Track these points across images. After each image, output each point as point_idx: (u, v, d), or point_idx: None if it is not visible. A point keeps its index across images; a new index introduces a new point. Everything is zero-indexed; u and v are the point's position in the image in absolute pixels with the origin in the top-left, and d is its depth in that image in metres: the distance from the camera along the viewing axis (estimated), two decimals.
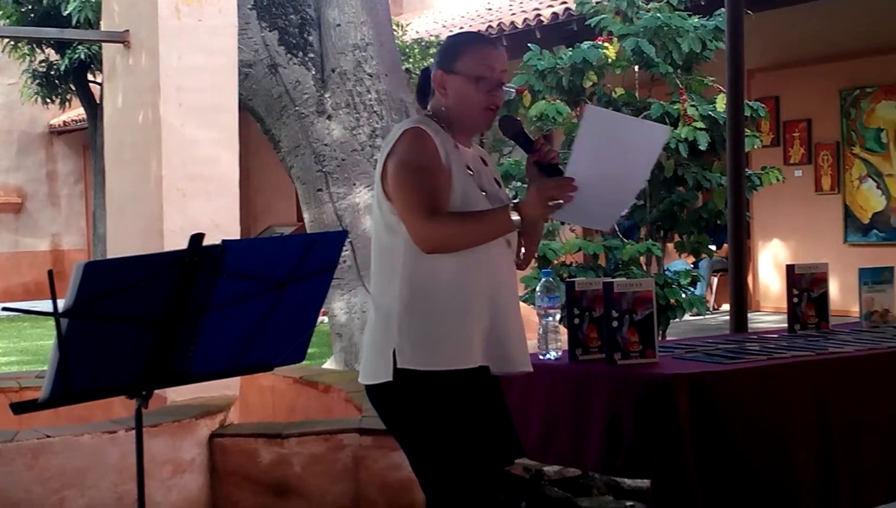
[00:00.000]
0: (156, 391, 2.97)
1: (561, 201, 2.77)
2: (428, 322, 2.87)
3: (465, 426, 2.87)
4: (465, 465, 2.87)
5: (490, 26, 13.10)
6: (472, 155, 3.04)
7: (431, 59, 11.29)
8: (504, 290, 2.97)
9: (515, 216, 2.80)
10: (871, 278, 4.23)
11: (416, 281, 2.88)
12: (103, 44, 6.10)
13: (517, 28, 12.44)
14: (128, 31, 5.59)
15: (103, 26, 6.11)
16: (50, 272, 2.71)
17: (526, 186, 3.23)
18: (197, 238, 2.69)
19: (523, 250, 3.12)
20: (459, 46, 3.03)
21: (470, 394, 2.88)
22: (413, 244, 2.86)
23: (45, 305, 2.65)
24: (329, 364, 7.60)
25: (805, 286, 4.09)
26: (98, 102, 14.57)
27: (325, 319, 7.67)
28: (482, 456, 2.90)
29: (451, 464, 2.88)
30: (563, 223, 7.41)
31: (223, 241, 2.76)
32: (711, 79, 8.28)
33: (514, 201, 2.88)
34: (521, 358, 3.03)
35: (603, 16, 8.31)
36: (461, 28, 13.77)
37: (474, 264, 2.88)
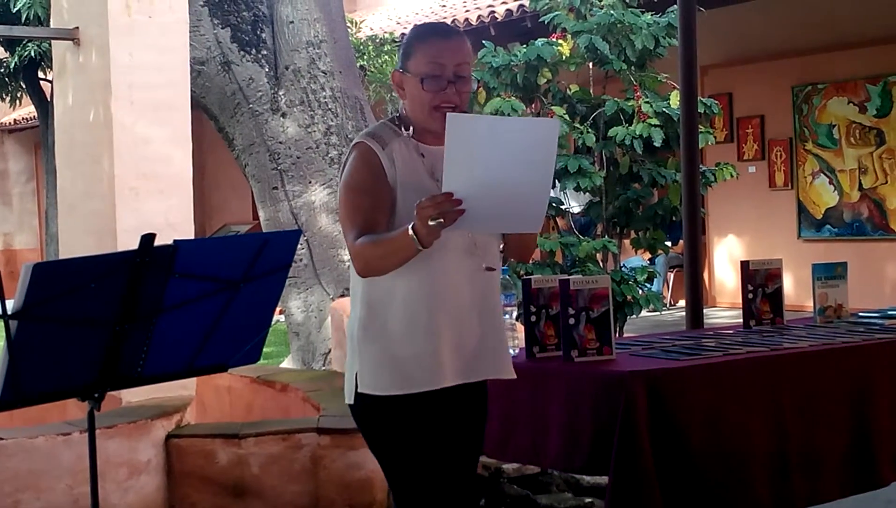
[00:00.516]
0: (111, 392, 2.93)
1: (442, 220, 2.58)
2: (382, 345, 2.82)
3: (423, 452, 2.84)
4: (423, 489, 2.85)
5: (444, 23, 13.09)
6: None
7: (385, 57, 11.27)
8: (464, 303, 2.86)
9: (412, 234, 2.63)
10: (825, 273, 4.25)
11: (371, 303, 2.84)
12: (53, 41, 6.02)
13: (471, 25, 12.45)
14: (77, 28, 5.52)
15: (53, 23, 6.03)
16: None
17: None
18: (148, 238, 2.66)
19: (503, 253, 3.02)
20: (412, 42, 2.91)
21: (428, 416, 2.84)
22: None
23: None
24: (286, 363, 7.56)
25: (759, 282, 4.10)
26: (49, 99, 14.41)
27: (282, 317, 7.64)
28: (442, 479, 2.88)
29: (410, 488, 2.87)
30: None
31: (175, 241, 2.73)
32: (665, 76, 8.33)
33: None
34: (492, 368, 2.94)
35: (557, 13, 8.34)
36: (414, 25, 13.76)
37: (425, 281, 2.80)
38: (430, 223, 2.60)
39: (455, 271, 2.85)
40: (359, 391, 2.85)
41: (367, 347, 2.84)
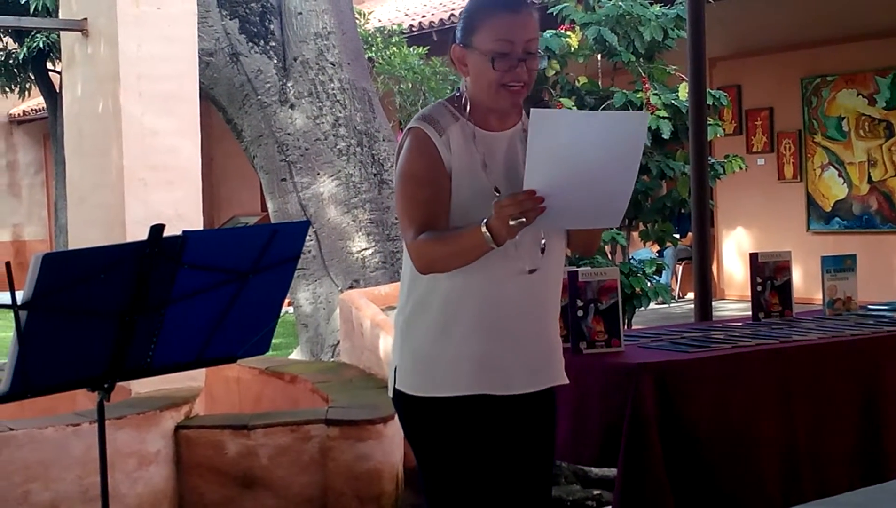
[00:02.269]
0: (120, 383, 2.94)
1: (524, 220, 2.46)
2: (421, 345, 2.69)
3: (458, 457, 2.70)
4: (451, 494, 2.73)
5: (452, 15, 13.06)
6: (507, 137, 2.74)
7: (394, 48, 11.23)
8: (508, 306, 2.69)
9: (486, 233, 2.50)
10: (834, 265, 4.24)
11: (414, 297, 2.71)
12: (62, 32, 6.03)
13: None
14: (86, 19, 5.52)
15: (61, 14, 6.03)
16: (7, 264, 2.66)
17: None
18: (157, 229, 2.66)
19: (563, 254, 2.83)
20: (476, 15, 2.68)
21: (468, 422, 2.69)
22: None
23: (4, 297, 2.61)
24: (295, 355, 7.57)
25: (768, 275, 4.10)
26: (58, 91, 14.42)
27: (291, 309, 7.65)
28: (471, 485, 2.73)
29: (438, 489, 2.75)
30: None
31: (184, 231, 2.73)
32: (674, 67, 8.31)
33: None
34: (540, 375, 2.77)
35: (565, 4, 8.32)
36: (423, 17, 13.73)
37: (467, 284, 2.65)
38: (511, 223, 2.46)
39: (499, 274, 2.67)
40: (396, 387, 2.75)
41: (407, 343, 2.73)
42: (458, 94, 2.76)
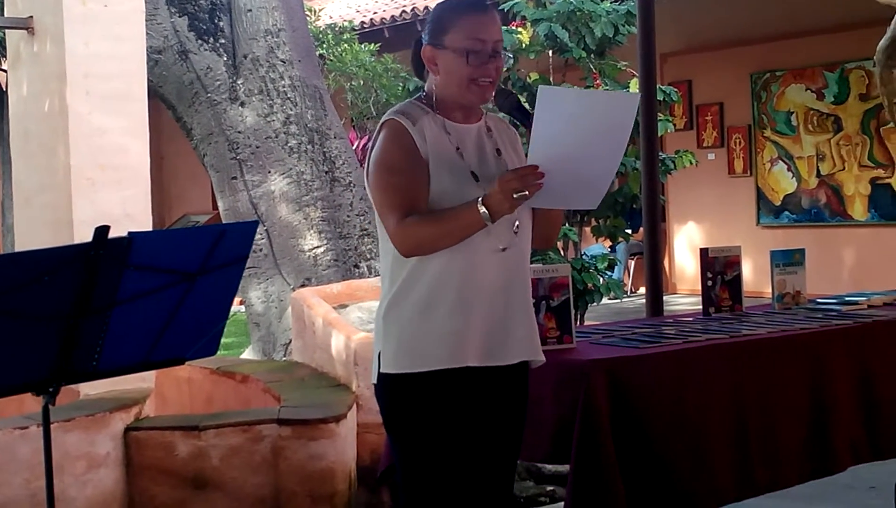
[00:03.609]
0: (69, 385, 2.89)
1: (526, 193, 2.62)
2: (406, 324, 2.77)
3: (449, 432, 2.78)
4: (435, 477, 2.79)
5: (404, 11, 13.05)
6: (475, 130, 2.88)
7: (345, 45, 11.17)
8: (486, 282, 2.79)
9: (483, 210, 2.65)
10: (783, 260, 4.28)
11: (399, 280, 2.79)
12: (7, 30, 5.94)
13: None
14: (31, 17, 5.45)
15: (6, 12, 5.94)
16: None
17: None
18: (101, 231, 2.62)
19: (531, 233, 2.93)
20: (446, 17, 2.84)
21: (454, 395, 2.77)
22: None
23: None
24: (247, 354, 7.52)
25: (719, 270, 4.12)
26: (3, 90, 14.22)
27: (243, 308, 7.59)
28: (469, 465, 2.81)
29: (421, 475, 2.80)
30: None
31: (129, 233, 2.70)
32: (624, 63, 8.35)
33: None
34: (520, 351, 2.87)
35: (516, 1, 8.33)
36: (374, 13, 13.70)
37: (450, 261, 2.75)
38: (515, 197, 2.62)
39: (480, 252, 2.78)
40: (381, 370, 2.81)
41: (390, 327, 2.79)
42: (423, 93, 2.90)
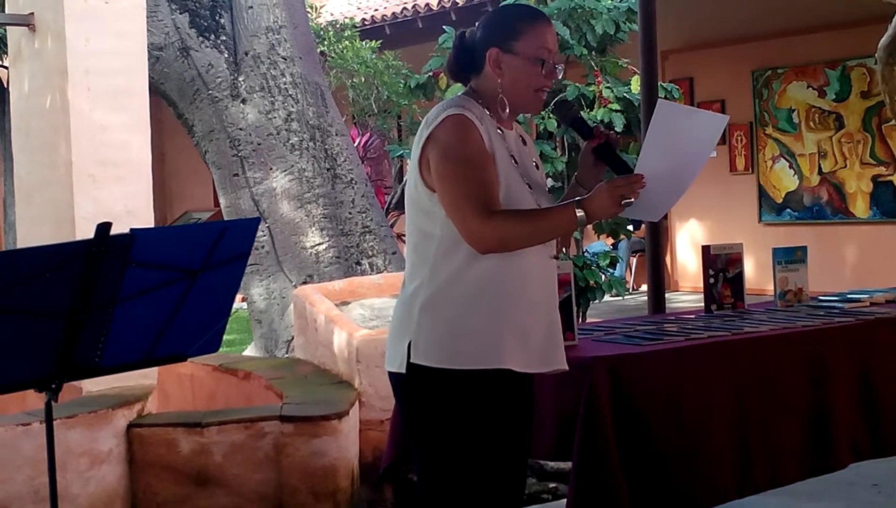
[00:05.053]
0: (71, 382, 2.90)
1: (632, 200, 2.69)
2: (449, 317, 2.73)
3: (476, 433, 2.75)
4: (470, 473, 2.76)
5: (405, 8, 13.05)
6: (514, 138, 2.92)
7: (346, 42, 11.10)
8: (536, 287, 2.81)
9: (581, 213, 2.69)
10: (785, 257, 4.28)
11: (446, 272, 2.74)
12: (8, 27, 5.94)
13: (432, 10, 12.42)
14: (32, 13, 5.44)
15: (7, 8, 5.94)
16: None
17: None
18: (103, 227, 2.63)
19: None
20: (518, 23, 2.84)
21: (487, 397, 2.75)
22: (449, 234, 2.72)
23: None
24: (249, 351, 7.53)
25: (720, 267, 4.13)
26: (5, 86, 14.21)
27: (245, 305, 7.59)
28: (490, 466, 2.79)
29: (456, 470, 2.77)
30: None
31: (131, 230, 2.70)
32: (626, 61, 8.35)
33: (579, 197, 2.75)
34: (552, 357, 2.88)
35: None
36: (376, 10, 13.69)
37: (503, 265, 2.74)
38: (623, 203, 2.70)
39: (531, 256, 2.78)
40: (411, 360, 2.76)
41: (428, 319, 2.74)
42: (470, 90, 2.88)
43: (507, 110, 2.84)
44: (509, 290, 2.75)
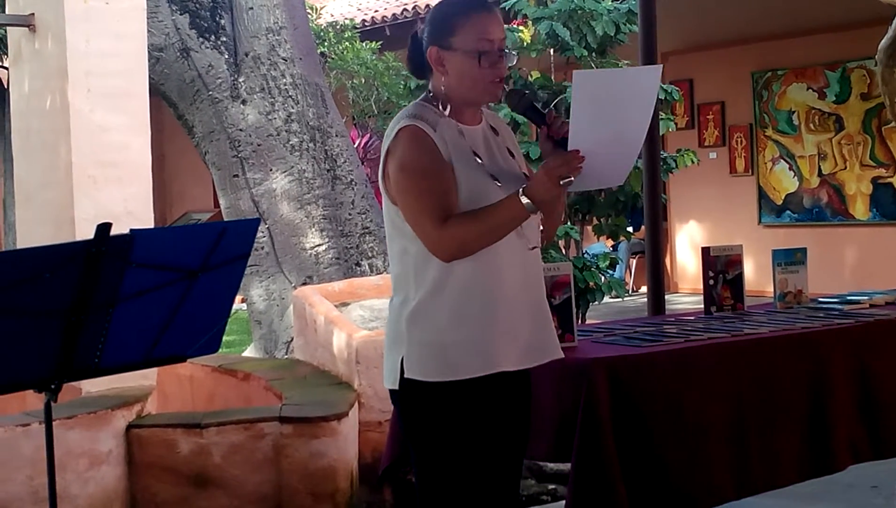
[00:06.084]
0: (71, 383, 2.89)
1: (572, 179, 2.60)
2: (437, 329, 2.71)
3: (474, 439, 2.74)
4: (456, 483, 2.75)
5: (405, 9, 13.05)
6: (481, 132, 2.85)
7: (346, 43, 11.13)
8: (517, 283, 2.76)
9: (526, 200, 2.61)
10: (785, 259, 4.27)
11: (426, 284, 2.72)
12: (8, 27, 5.94)
13: None
14: (33, 14, 5.45)
15: (7, 9, 5.95)
16: None
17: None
18: (103, 228, 2.63)
19: (541, 229, 2.90)
20: (453, 18, 2.77)
21: (483, 403, 2.74)
22: (422, 247, 2.70)
23: None
24: (249, 352, 7.53)
25: (720, 269, 4.12)
26: (5, 87, 14.21)
27: (244, 306, 7.60)
28: (489, 468, 2.78)
29: (443, 481, 2.77)
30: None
31: (131, 230, 2.70)
32: (626, 62, 8.35)
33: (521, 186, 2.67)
34: (545, 351, 2.86)
35: None
36: (376, 11, 13.69)
37: (481, 265, 2.70)
38: (562, 183, 2.60)
39: (507, 253, 2.74)
40: (405, 376, 2.74)
41: (416, 332, 2.72)
42: (428, 94, 2.84)
43: (450, 108, 2.78)
44: (491, 292, 2.72)
